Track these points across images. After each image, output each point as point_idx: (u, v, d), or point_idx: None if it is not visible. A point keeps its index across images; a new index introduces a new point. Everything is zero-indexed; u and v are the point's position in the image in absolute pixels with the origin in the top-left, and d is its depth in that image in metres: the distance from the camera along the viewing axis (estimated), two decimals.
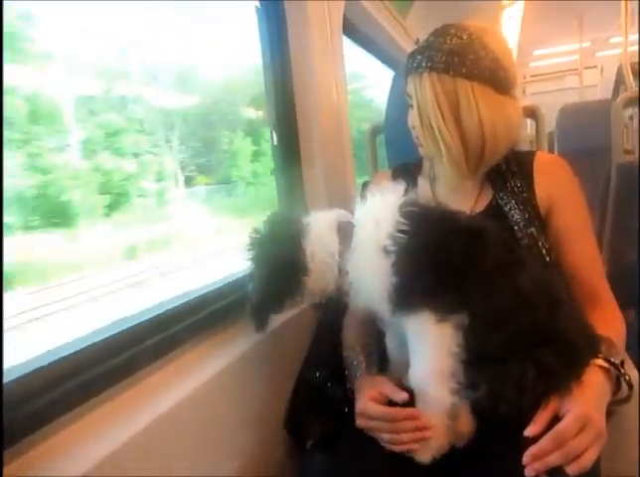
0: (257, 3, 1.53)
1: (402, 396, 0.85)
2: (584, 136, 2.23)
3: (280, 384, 1.22)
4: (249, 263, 0.95)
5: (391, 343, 1.00)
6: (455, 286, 0.81)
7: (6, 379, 0.68)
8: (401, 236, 0.81)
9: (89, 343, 0.82)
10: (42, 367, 0.73)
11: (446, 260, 0.81)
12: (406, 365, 0.95)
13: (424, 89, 0.99)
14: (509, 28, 4.45)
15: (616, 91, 3.84)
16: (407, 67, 1.06)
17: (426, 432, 0.82)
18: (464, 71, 0.97)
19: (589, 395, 0.81)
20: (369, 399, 0.89)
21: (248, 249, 0.95)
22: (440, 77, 0.98)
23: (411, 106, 1.06)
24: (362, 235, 0.87)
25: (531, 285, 0.83)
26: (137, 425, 0.78)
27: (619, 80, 3.75)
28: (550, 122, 2.97)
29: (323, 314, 1.36)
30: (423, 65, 1.00)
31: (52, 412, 0.72)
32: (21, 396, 0.69)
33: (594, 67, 6.61)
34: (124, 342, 0.88)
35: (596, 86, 6.69)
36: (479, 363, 0.82)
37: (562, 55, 6.53)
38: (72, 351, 0.79)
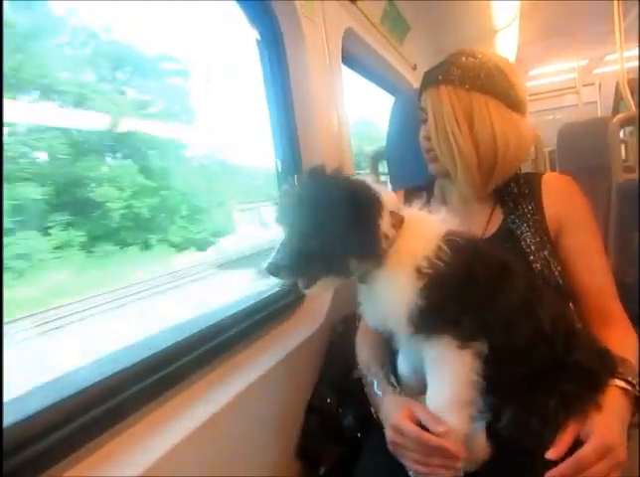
0: (257, 36, 1.58)
1: (440, 428, 0.82)
2: (585, 154, 2.23)
3: (293, 410, 1.22)
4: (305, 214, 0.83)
5: (403, 364, 1.00)
6: (478, 316, 0.81)
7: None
8: (439, 262, 0.81)
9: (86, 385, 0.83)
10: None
11: (473, 292, 0.81)
12: (419, 386, 0.95)
13: (441, 100, 1.02)
14: (505, 49, 4.52)
15: (616, 108, 3.88)
16: (423, 82, 1.08)
17: (457, 463, 0.82)
18: (479, 84, 1.00)
19: (610, 418, 0.81)
20: (404, 417, 0.87)
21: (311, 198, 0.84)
22: (456, 89, 1.01)
23: (424, 122, 1.08)
24: (402, 243, 0.85)
25: (550, 321, 0.84)
26: (155, 452, 0.79)
27: (618, 97, 3.79)
28: (551, 140, 3.00)
29: (334, 337, 1.36)
30: (440, 78, 1.03)
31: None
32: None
33: (592, 84, 6.67)
34: (134, 374, 0.89)
35: (596, 103, 6.74)
36: (501, 392, 0.83)
37: (560, 73, 6.61)
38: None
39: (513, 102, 1.03)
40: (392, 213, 0.84)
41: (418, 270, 0.81)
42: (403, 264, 0.82)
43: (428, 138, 1.07)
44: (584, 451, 0.76)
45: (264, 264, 0.85)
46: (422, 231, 0.85)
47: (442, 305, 0.80)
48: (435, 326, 0.81)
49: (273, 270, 0.85)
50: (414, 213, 0.90)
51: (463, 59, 1.03)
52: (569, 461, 0.75)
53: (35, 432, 0.71)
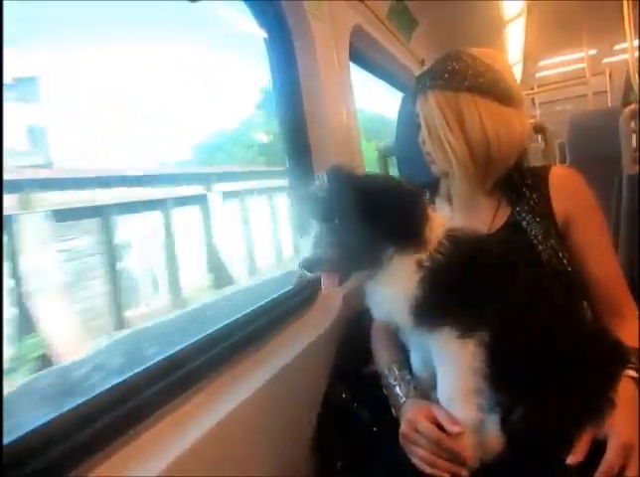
0: (265, 35, 1.59)
1: (456, 428, 0.83)
2: (595, 145, 2.22)
3: (308, 405, 1.24)
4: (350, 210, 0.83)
5: (415, 358, 1.01)
6: (476, 308, 0.83)
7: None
8: (439, 255, 0.84)
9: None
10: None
11: (470, 286, 0.83)
12: (431, 381, 0.97)
13: (430, 106, 1.05)
14: (513, 42, 4.49)
15: (626, 97, 3.85)
16: (415, 88, 1.11)
17: (463, 471, 0.83)
18: (466, 84, 1.02)
19: (626, 414, 0.82)
20: (421, 414, 0.89)
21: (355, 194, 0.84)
22: (444, 93, 1.04)
23: (420, 126, 1.11)
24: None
25: (556, 314, 0.86)
26: (175, 451, 0.81)
27: (628, 86, 3.76)
28: (560, 131, 2.98)
29: (348, 333, 1.37)
30: (428, 84, 1.06)
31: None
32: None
33: (602, 73, 6.59)
34: (148, 378, 0.91)
35: (606, 92, 6.66)
36: (512, 386, 0.84)
37: (570, 63, 6.54)
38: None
39: (503, 96, 1.04)
40: None
41: (419, 264, 0.84)
42: (406, 258, 0.85)
43: (424, 142, 1.10)
44: (608, 457, 0.77)
45: (300, 260, 0.86)
46: (433, 230, 0.87)
47: (440, 297, 0.83)
48: (435, 318, 0.83)
49: (311, 265, 0.85)
50: None
51: (449, 62, 1.05)
52: (601, 471, 0.76)
53: (53, 436, 0.72)
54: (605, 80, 6.61)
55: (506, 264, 0.87)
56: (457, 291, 0.83)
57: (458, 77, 1.03)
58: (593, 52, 5.72)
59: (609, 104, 6.34)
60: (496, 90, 1.03)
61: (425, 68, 1.11)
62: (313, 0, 1.59)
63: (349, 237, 0.83)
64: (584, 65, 5.32)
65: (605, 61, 6.65)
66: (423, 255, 0.84)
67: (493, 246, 0.93)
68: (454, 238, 0.86)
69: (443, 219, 0.91)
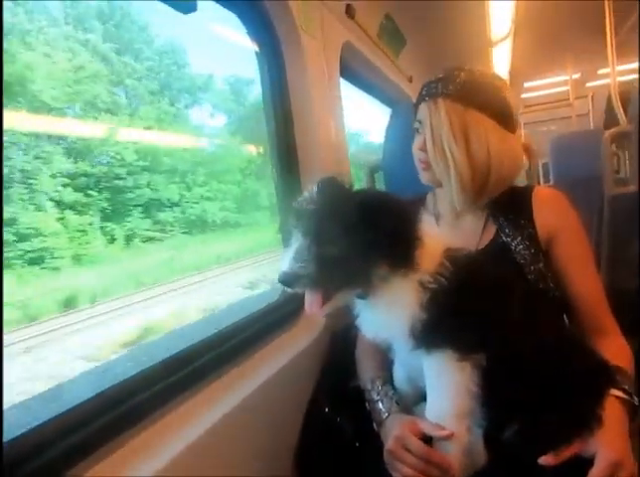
0: (257, 48, 1.60)
1: (444, 432, 0.83)
2: (577, 165, 2.27)
3: (291, 419, 1.23)
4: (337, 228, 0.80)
5: (399, 374, 1.01)
6: (478, 330, 0.82)
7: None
8: (442, 277, 0.83)
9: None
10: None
11: (472, 308, 0.83)
12: (415, 396, 0.97)
13: (439, 113, 1.04)
14: (499, 62, 4.57)
15: (608, 120, 3.94)
16: (421, 94, 1.10)
17: None
18: (476, 102, 1.03)
19: (613, 433, 0.82)
20: (409, 431, 0.88)
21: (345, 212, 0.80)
22: (454, 104, 1.03)
23: (418, 132, 1.10)
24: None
25: (546, 333, 0.87)
26: (158, 462, 0.80)
27: (609, 109, 3.85)
28: (544, 151, 3.03)
29: (332, 347, 1.37)
30: (439, 91, 1.05)
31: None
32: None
33: (585, 96, 6.76)
34: (134, 385, 0.90)
35: (588, 115, 6.81)
36: (503, 404, 0.84)
37: (554, 86, 6.68)
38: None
39: (507, 121, 1.06)
40: None
41: (422, 285, 0.82)
42: (407, 280, 0.83)
43: (423, 149, 1.09)
44: (595, 473, 0.78)
45: (279, 274, 0.80)
46: (425, 247, 0.86)
47: (443, 319, 0.81)
48: (436, 339, 0.82)
49: (290, 280, 0.80)
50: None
51: (462, 75, 1.05)
52: None
53: (51, 435, 0.73)
54: (588, 103, 6.77)
55: (502, 284, 0.88)
56: (460, 313, 0.82)
57: (470, 93, 1.03)
58: (577, 75, 5.86)
59: (591, 126, 6.49)
60: (502, 115, 1.05)
61: (437, 76, 1.09)
62: (305, 16, 1.61)
63: (334, 252, 0.78)
64: (568, 87, 5.43)
65: (588, 84, 6.81)
66: (426, 276, 0.82)
67: (488, 266, 0.93)
68: (454, 259, 0.85)
69: (440, 237, 0.91)
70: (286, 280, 0.80)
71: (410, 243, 0.82)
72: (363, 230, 0.77)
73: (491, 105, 1.04)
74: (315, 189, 0.84)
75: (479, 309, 0.83)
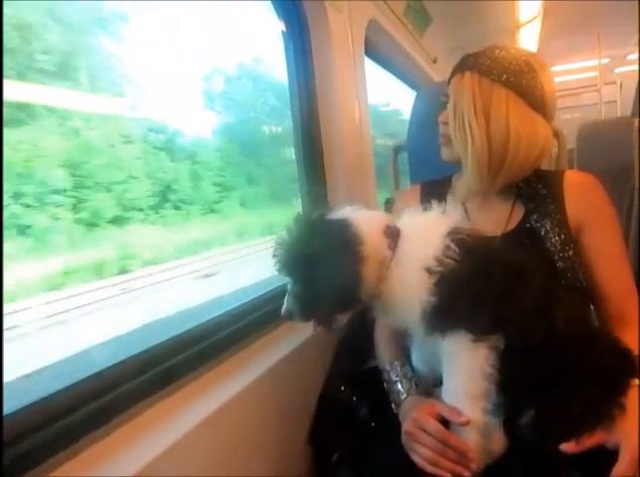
0: (283, 27, 1.59)
1: (462, 418, 0.83)
2: (605, 155, 2.20)
3: (305, 399, 1.24)
4: (291, 267, 0.88)
5: (417, 358, 1.01)
6: (492, 312, 0.82)
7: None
8: (448, 260, 0.82)
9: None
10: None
11: (484, 290, 0.82)
12: (433, 380, 0.97)
13: (463, 86, 1.03)
14: (526, 45, 4.47)
15: (636, 107, 3.83)
16: (454, 69, 1.09)
17: (465, 472, 0.82)
18: (504, 78, 1.00)
19: (636, 425, 0.81)
20: (427, 413, 0.88)
21: (288, 252, 0.87)
22: (481, 78, 1.02)
23: (445, 106, 1.09)
24: (406, 249, 0.87)
25: (564, 322, 0.85)
26: (166, 440, 0.81)
27: (639, 97, 3.74)
28: (569, 139, 2.97)
29: (344, 330, 1.37)
30: (469, 64, 1.04)
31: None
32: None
33: (613, 83, 6.57)
34: (142, 364, 0.91)
35: (616, 102, 6.64)
36: (521, 390, 0.83)
37: (581, 71, 6.51)
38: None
39: (536, 102, 1.02)
40: (387, 227, 0.87)
41: (428, 270, 0.82)
42: (412, 268, 0.84)
43: (446, 122, 1.07)
44: (620, 467, 0.77)
45: (282, 310, 0.90)
46: (428, 232, 0.87)
47: (454, 301, 0.81)
48: (449, 322, 0.82)
49: (289, 316, 0.91)
50: (412, 218, 0.92)
51: (496, 51, 1.03)
52: None
53: (26, 427, 0.70)
54: (616, 90, 6.59)
55: (517, 268, 0.86)
56: (472, 295, 0.81)
57: (499, 67, 1.01)
58: (606, 60, 5.70)
59: (618, 114, 6.32)
60: (530, 94, 1.01)
61: (472, 52, 1.07)
62: None
63: (304, 289, 0.87)
64: (597, 73, 5.29)
65: (617, 70, 6.63)
66: (430, 261, 0.82)
67: (504, 248, 0.92)
68: (461, 242, 0.84)
69: (443, 220, 0.89)
70: (287, 316, 0.91)
71: (354, 283, 0.83)
72: (321, 261, 0.82)
73: (520, 83, 1.01)
74: (286, 231, 0.88)
75: (492, 292, 0.82)
